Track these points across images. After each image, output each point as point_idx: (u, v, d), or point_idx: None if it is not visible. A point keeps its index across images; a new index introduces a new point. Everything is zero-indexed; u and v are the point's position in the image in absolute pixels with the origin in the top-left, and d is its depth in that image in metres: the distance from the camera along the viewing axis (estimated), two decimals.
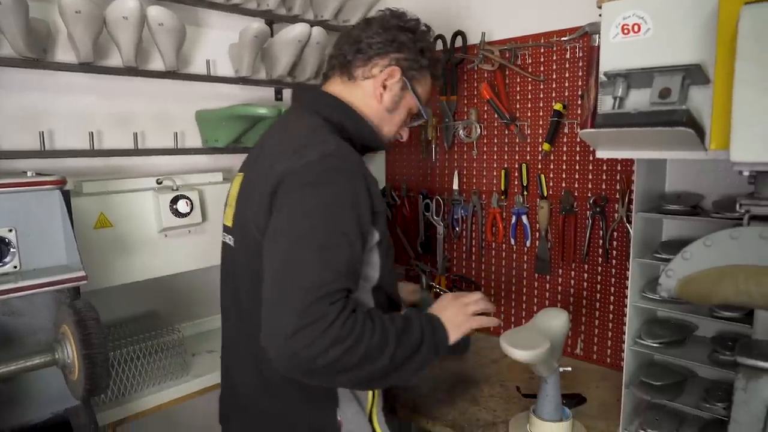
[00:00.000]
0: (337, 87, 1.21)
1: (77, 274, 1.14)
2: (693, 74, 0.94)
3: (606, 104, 1.07)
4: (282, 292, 0.92)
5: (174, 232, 1.51)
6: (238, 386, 1.21)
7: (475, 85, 1.94)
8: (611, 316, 1.73)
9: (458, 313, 1.16)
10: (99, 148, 1.53)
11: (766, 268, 0.78)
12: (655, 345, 1.31)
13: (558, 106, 1.73)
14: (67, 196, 1.21)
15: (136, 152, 1.57)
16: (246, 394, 1.18)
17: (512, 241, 1.93)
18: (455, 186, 2.05)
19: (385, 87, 1.18)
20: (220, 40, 1.77)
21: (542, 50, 1.77)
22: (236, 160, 1.86)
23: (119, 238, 1.41)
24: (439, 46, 1.95)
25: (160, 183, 1.52)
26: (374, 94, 1.18)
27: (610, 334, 1.74)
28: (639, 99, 1.03)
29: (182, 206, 1.48)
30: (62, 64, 1.43)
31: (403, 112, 1.23)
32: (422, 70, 1.22)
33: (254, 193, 1.07)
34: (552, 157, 1.80)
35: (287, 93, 1.97)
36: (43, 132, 1.43)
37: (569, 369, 1.36)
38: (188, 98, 1.72)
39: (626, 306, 1.31)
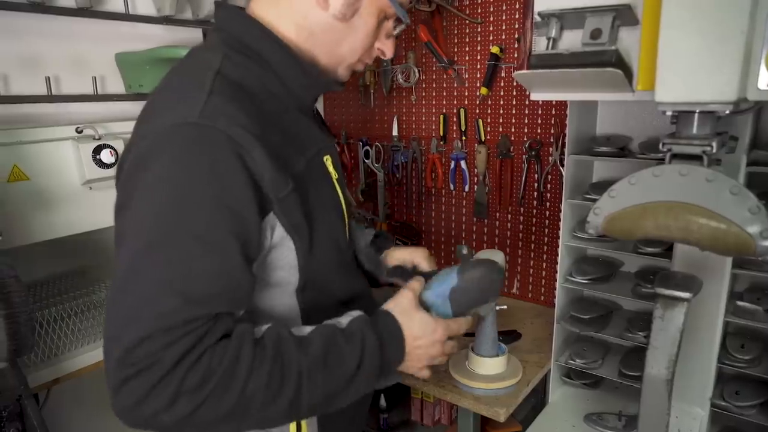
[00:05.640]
0: (260, 3, 0.85)
1: None
2: (623, 15, 0.95)
3: (540, 45, 1.07)
4: (107, 329, 0.66)
5: (99, 184, 1.42)
6: None
7: (413, 27, 1.89)
8: (545, 256, 1.80)
9: (430, 349, 0.84)
10: (6, 93, 1.40)
11: (684, 204, 0.81)
12: (584, 281, 1.38)
13: (495, 50, 1.73)
14: None
15: (51, 98, 1.45)
16: None
17: (451, 186, 1.95)
18: (394, 132, 2.04)
19: None
20: None
21: None
22: None
23: (38, 192, 1.32)
24: None
25: (81, 132, 1.41)
26: None
27: (543, 273, 1.82)
28: (572, 40, 1.03)
29: (106, 156, 1.39)
30: None
31: (368, 18, 0.84)
32: None
33: (117, 171, 0.81)
34: (489, 102, 1.80)
35: None
36: None
37: (505, 307, 1.42)
38: (106, 39, 1.59)
39: (559, 246, 1.37)
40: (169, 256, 0.66)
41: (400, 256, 1.12)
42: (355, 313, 0.80)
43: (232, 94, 0.74)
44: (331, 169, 0.89)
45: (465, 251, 1.04)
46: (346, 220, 0.93)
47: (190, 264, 0.67)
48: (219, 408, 0.66)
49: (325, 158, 0.89)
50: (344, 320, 0.79)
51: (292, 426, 0.85)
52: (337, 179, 0.91)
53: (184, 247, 0.67)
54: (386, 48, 0.91)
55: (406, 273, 1.11)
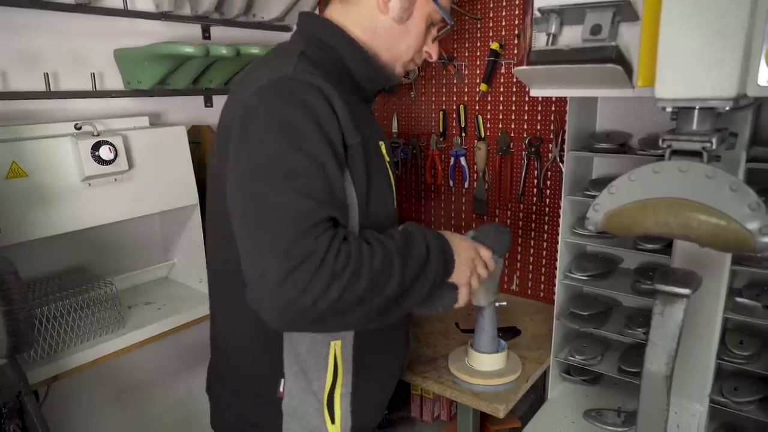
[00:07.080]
0: (334, 9, 1.03)
1: None
2: (623, 11, 0.95)
3: (540, 41, 1.07)
4: (258, 239, 0.79)
5: (98, 180, 1.42)
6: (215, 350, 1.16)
7: None
8: (544, 252, 1.80)
9: (470, 262, 1.00)
10: (4, 90, 1.39)
11: (684, 200, 0.81)
12: (583, 278, 1.38)
13: (495, 46, 1.72)
14: None
15: (49, 95, 1.45)
16: (217, 356, 1.14)
17: (451, 183, 1.95)
18: (394, 129, 2.03)
19: None
20: None
21: None
22: (163, 103, 1.76)
23: (36, 189, 1.31)
24: None
25: (79, 128, 1.41)
26: (376, 3, 0.99)
27: (543, 269, 1.82)
28: (572, 36, 1.03)
29: (105, 153, 1.39)
30: None
31: (419, 21, 1.02)
32: None
33: (219, 138, 0.96)
34: (489, 98, 1.80)
35: (215, 31, 1.85)
36: None
37: (505, 304, 1.41)
38: (105, 35, 1.58)
39: (558, 242, 1.37)
40: (294, 172, 0.80)
41: None
42: (404, 225, 0.94)
43: (315, 65, 0.92)
44: (384, 152, 1.03)
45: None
46: (395, 200, 1.06)
47: (311, 176, 0.81)
48: (357, 289, 0.78)
49: (379, 142, 1.02)
50: (397, 229, 0.92)
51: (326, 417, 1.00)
52: (388, 162, 1.04)
53: (303, 164, 0.81)
54: (433, 51, 1.08)
55: None
